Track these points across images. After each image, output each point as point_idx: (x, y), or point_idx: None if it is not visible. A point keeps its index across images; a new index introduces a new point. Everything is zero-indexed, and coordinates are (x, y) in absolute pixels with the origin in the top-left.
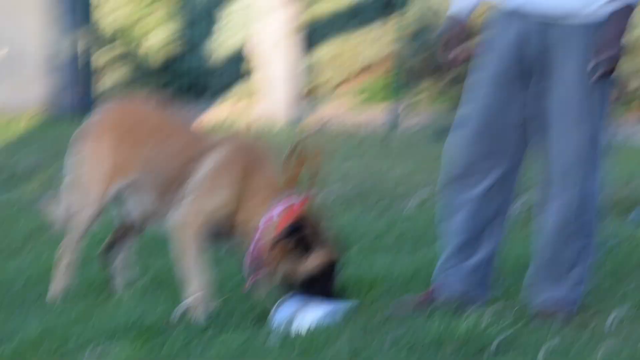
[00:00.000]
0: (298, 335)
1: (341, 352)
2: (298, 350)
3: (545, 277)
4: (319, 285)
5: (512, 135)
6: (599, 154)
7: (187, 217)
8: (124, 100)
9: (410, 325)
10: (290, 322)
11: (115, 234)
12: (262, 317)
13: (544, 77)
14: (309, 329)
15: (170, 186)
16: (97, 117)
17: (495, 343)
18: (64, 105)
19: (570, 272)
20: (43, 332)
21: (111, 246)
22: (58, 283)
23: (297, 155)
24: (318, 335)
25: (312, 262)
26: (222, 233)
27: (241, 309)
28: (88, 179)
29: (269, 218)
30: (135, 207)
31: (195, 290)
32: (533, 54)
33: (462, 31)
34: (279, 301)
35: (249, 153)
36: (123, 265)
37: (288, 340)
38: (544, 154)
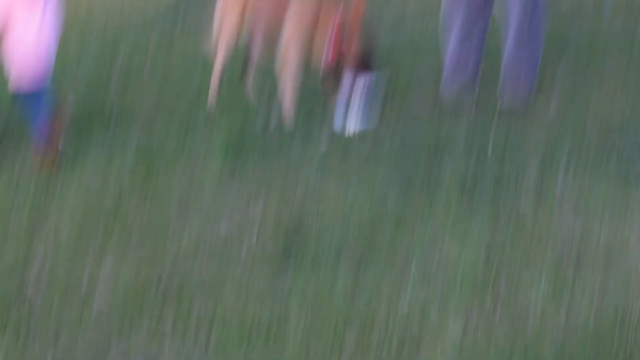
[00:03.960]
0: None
1: (364, 149)
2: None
3: (508, 82)
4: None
5: None
6: None
7: (287, 46)
8: None
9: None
10: (343, 125)
11: (244, 62)
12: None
13: None
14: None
15: (274, 27)
16: None
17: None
18: None
19: (524, 76)
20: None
21: (243, 71)
22: (212, 95)
23: None
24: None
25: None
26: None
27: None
28: (225, 23)
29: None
30: (253, 45)
31: (287, 106)
32: None
33: None
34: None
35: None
36: (251, 83)
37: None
38: None
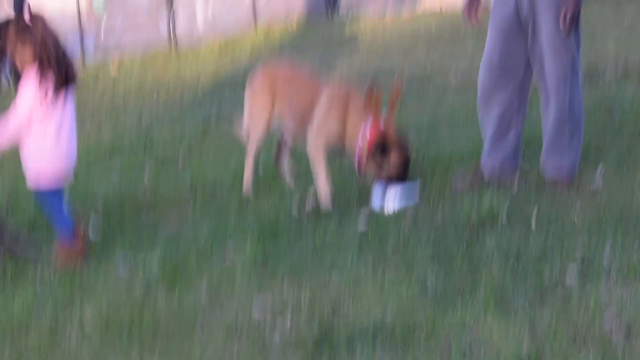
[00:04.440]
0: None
1: (403, 227)
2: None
3: (550, 156)
4: (397, 177)
5: (519, 66)
6: (577, 73)
7: (313, 139)
8: (272, 62)
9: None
10: (381, 206)
11: (278, 150)
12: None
13: (535, 26)
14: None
15: (304, 118)
16: (259, 72)
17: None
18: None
19: (567, 150)
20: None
21: (278, 157)
22: (247, 184)
23: (377, 89)
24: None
25: (386, 173)
26: (338, 150)
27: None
28: (257, 115)
29: (363, 136)
30: (286, 134)
31: (322, 190)
32: (526, 12)
33: None
34: (373, 192)
35: (348, 95)
36: (287, 169)
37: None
38: (541, 77)
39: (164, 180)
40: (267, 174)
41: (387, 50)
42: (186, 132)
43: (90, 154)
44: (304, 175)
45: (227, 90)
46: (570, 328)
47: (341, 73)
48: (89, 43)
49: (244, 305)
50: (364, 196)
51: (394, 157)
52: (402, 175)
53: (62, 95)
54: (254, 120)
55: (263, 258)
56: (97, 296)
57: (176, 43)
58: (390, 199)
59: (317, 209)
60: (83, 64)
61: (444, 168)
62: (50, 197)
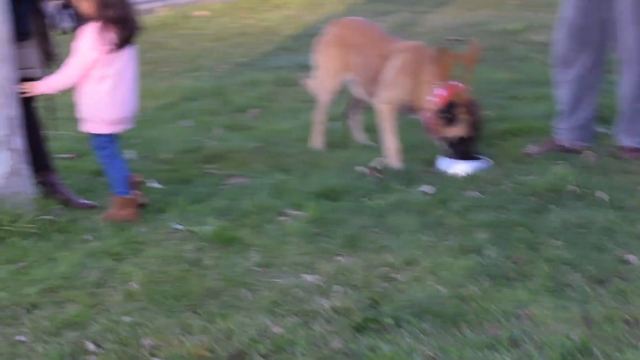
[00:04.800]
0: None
1: (468, 193)
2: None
3: (627, 123)
4: (460, 149)
5: (597, 30)
6: None
7: (382, 100)
8: (345, 19)
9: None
10: (448, 168)
11: (348, 104)
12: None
13: None
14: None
15: (375, 78)
16: (331, 30)
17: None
18: None
19: None
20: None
21: (348, 111)
22: (316, 137)
23: (451, 53)
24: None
25: (454, 132)
26: (407, 109)
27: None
28: (325, 72)
29: (437, 96)
30: (355, 91)
31: (391, 148)
32: None
33: None
34: (441, 155)
35: (420, 55)
36: (356, 124)
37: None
38: (620, 42)
39: (236, 128)
40: (342, 129)
41: (478, 2)
42: (264, 79)
43: (167, 96)
44: (375, 131)
45: (312, 38)
46: (626, 311)
47: (430, 25)
48: None
49: (296, 270)
50: (432, 156)
51: (462, 116)
52: (470, 137)
53: (122, 49)
54: (324, 74)
55: (321, 220)
56: (146, 252)
57: None
58: (460, 161)
59: (384, 167)
60: (168, 5)
61: (519, 130)
62: (103, 142)
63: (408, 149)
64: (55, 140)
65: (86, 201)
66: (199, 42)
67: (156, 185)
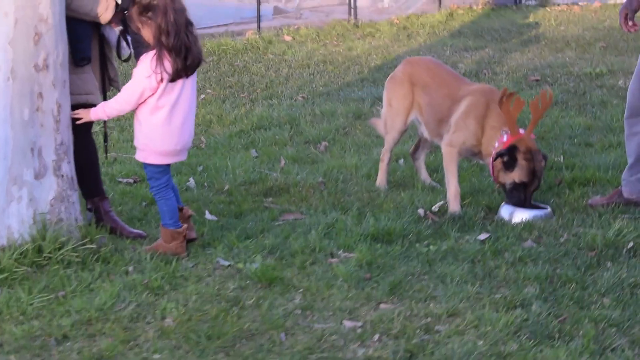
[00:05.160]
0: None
1: (523, 243)
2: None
3: None
4: (515, 195)
5: None
6: None
7: (448, 143)
8: (416, 58)
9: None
10: (510, 216)
11: (417, 143)
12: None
13: None
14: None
15: (442, 119)
16: (401, 68)
17: (628, 247)
18: None
19: None
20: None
21: (415, 150)
22: (381, 176)
23: (516, 100)
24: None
25: (511, 177)
26: (474, 154)
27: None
28: (395, 110)
29: (500, 143)
30: (423, 131)
31: (451, 192)
32: None
33: (637, 6)
34: (503, 202)
35: (490, 99)
36: (421, 164)
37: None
38: None
39: (302, 161)
40: (407, 167)
41: (564, 43)
42: (340, 110)
43: (240, 124)
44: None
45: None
46: None
47: (513, 64)
48: (269, 7)
49: (337, 315)
50: (494, 203)
51: (520, 162)
52: (525, 184)
53: (180, 80)
54: (392, 113)
55: (371, 264)
56: (187, 288)
57: (356, 14)
58: (521, 209)
59: (444, 210)
60: (258, 28)
61: (587, 179)
62: (155, 172)
63: (472, 193)
64: (119, 164)
65: (135, 230)
66: (282, 68)
67: (209, 217)
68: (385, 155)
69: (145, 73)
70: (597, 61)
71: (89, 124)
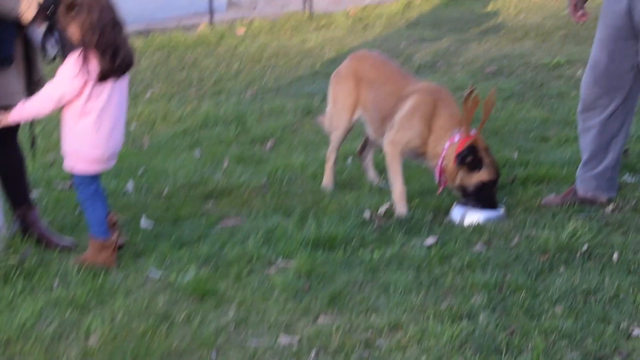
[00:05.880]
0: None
1: (472, 247)
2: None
3: None
4: (482, 196)
5: (626, 78)
6: None
7: (391, 143)
8: (362, 53)
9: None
10: (462, 218)
11: (364, 142)
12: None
13: None
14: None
15: (386, 117)
16: (346, 64)
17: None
18: None
19: None
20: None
21: (362, 149)
22: (327, 177)
23: (472, 99)
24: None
25: (478, 178)
26: (418, 155)
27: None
28: (340, 108)
29: (451, 143)
30: (367, 129)
31: (396, 193)
32: (638, 17)
33: None
34: (455, 203)
35: (437, 98)
36: (369, 164)
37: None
38: None
39: (247, 161)
40: (355, 167)
41: (523, 32)
42: (289, 107)
43: (184, 122)
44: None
45: None
46: None
47: (470, 55)
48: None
49: (272, 330)
50: (443, 204)
51: (486, 160)
52: (487, 192)
53: (109, 82)
54: (337, 111)
55: (310, 273)
56: (115, 303)
57: (311, 6)
58: (472, 211)
59: (391, 212)
60: (211, 21)
61: (542, 177)
62: (84, 182)
63: (421, 193)
64: (58, 166)
65: (65, 241)
66: (233, 63)
67: (145, 224)
68: (331, 155)
69: (69, 74)
70: (556, 51)
71: (14, 130)
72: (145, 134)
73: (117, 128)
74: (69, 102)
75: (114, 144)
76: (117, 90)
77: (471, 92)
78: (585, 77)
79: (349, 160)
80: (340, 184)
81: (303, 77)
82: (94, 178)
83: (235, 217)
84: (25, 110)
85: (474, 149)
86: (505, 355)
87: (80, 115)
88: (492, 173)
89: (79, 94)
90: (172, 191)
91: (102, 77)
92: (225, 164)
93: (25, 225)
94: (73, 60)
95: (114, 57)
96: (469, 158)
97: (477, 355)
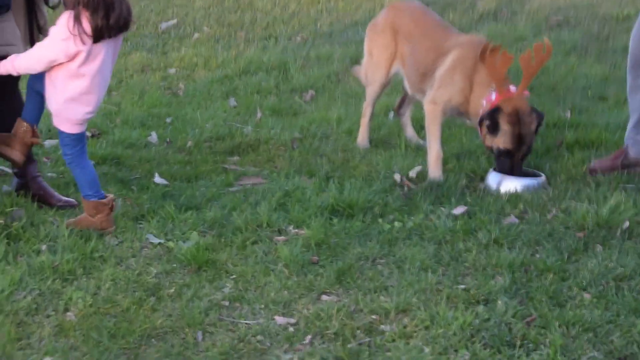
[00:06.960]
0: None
1: (505, 219)
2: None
3: None
4: (500, 162)
5: None
6: None
7: (432, 100)
8: (400, 3)
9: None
10: (498, 185)
11: (402, 98)
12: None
13: None
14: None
15: (426, 73)
16: (383, 14)
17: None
18: None
19: None
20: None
21: (400, 105)
22: (362, 134)
23: (502, 55)
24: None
25: (497, 143)
26: (460, 113)
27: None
28: (376, 61)
29: (487, 101)
30: (406, 85)
31: (432, 156)
32: None
33: None
34: (491, 168)
35: (477, 52)
36: (407, 121)
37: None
38: None
39: (283, 113)
40: (395, 123)
41: None
42: (336, 55)
43: (225, 68)
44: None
45: None
46: None
47: (535, 3)
48: None
49: (269, 309)
50: (482, 168)
51: (504, 127)
52: (511, 151)
53: (101, 43)
54: (372, 64)
55: (321, 245)
56: (103, 272)
57: None
58: (509, 177)
59: (423, 176)
60: None
61: (591, 140)
62: (71, 140)
63: (458, 156)
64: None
65: (65, 198)
66: (289, 4)
67: (158, 180)
68: (366, 110)
69: (62, 35)
70: (626, 1)
71: (14, 81)
72: (182, 80)
73: (104, 89)
74: (60, 62)
75: (98, 103)
76: (110, 52)
77: (487, 48)
78: (635, 31)
79: (391, 115)
80: (377, 141)
81: (360, 22)
82: (81, 136)
83: (254, 177)
84: (14, 65)
85: (496, 111)
86: (518, 350)
87: (73, 77)
88: (507, 141)
89: (73, 58)
90: (196, 144)
91: (96, 36)
92: (258, 115)
93: (25, 180)
94: (64, 21)
95: (106, 15)
96: (487, 122)
97: (487, 349)
